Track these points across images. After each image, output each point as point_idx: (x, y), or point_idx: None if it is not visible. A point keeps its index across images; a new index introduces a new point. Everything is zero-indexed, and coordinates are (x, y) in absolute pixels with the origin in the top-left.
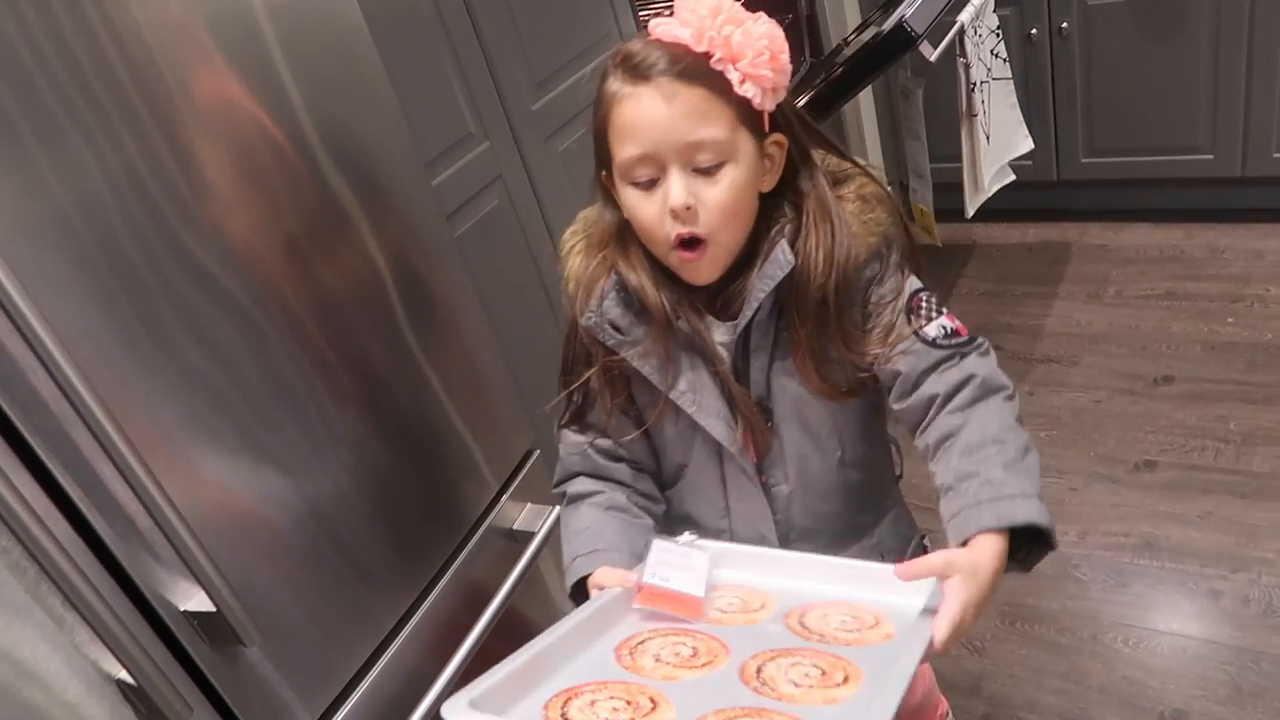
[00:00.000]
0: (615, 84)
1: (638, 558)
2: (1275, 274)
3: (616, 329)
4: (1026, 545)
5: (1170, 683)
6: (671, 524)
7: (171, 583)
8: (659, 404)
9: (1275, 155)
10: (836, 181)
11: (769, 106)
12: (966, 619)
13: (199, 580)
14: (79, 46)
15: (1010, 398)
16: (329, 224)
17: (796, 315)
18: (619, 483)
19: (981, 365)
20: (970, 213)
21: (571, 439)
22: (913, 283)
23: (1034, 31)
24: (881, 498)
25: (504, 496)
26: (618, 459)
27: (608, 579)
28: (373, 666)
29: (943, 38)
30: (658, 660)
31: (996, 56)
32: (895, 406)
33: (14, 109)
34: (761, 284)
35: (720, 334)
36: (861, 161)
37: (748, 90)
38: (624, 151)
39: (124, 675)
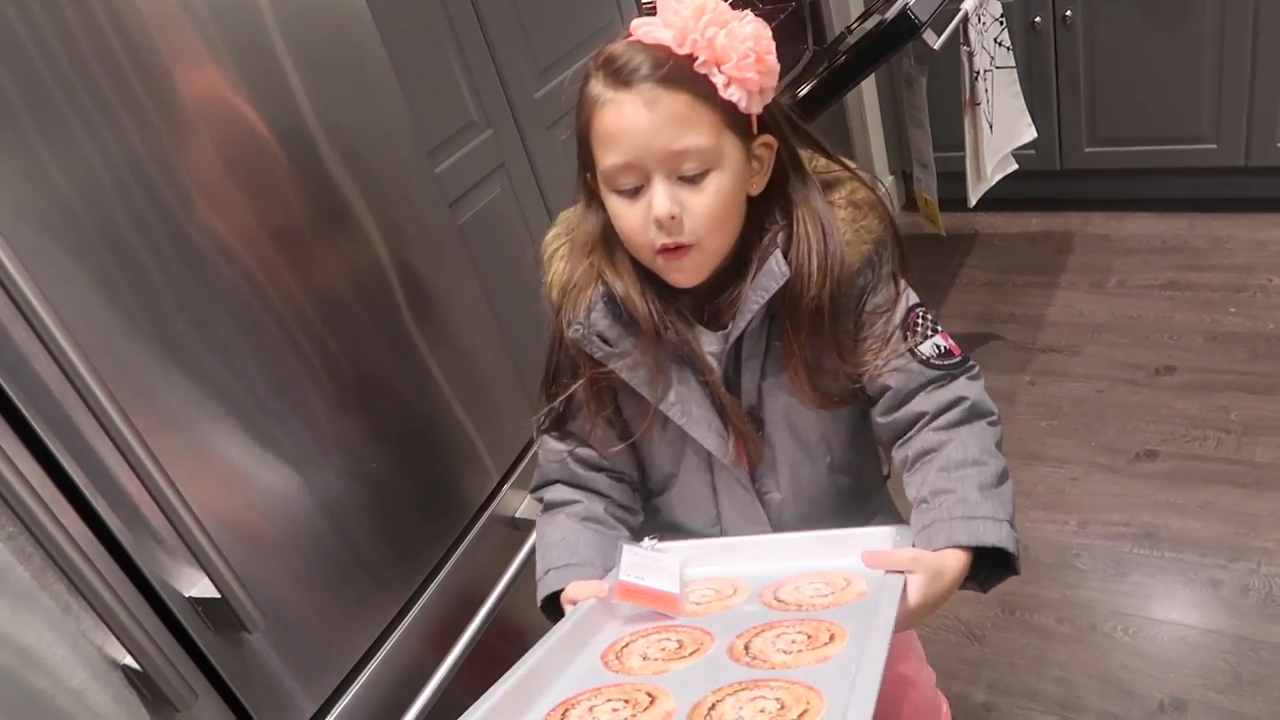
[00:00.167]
0: (597, 88)
1: (610, 572)
2: (1278, 264)
3: (605, 341)
4: (988, 569)
5: (1169, 671)
6: (660, 532)
7: (176, 569)
8: (647, 415)
9: (1279, 145)
10: (827, 186)
11: (756, 109)
12: (914, 617)
13: (203, 567)
14: (82, 36)
15: (995, 424)
16: (331, 212)
17: (790, 326)
18: (597, 493)
19: (971, 389)
20: (973, 202)
21: (551, 446)
22: (910, 296)
23: (1038, 19)
24: (869, 498)
25: (505, 485)
26: (598, 469)
27: (580, 592)
28: (375, 654)
29: (946, 26)
30: (645, 659)
31: (1000, 45)
32: (879, 419)
33: (17, 98)
34: (755, 295)
35: (710, 344)
36: (851, 164)
37: (733, 94)
38: (607, 159)
39: (129, 661)
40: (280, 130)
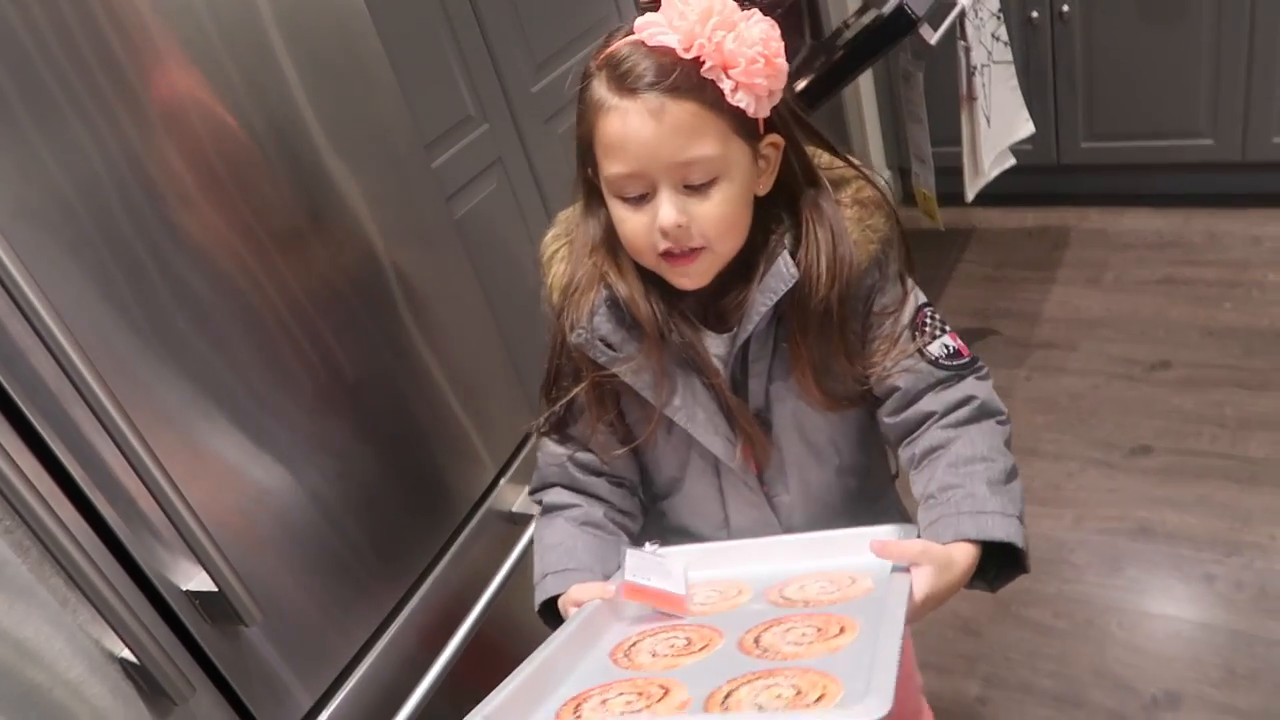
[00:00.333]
0: (600, 91)
1: (609, 577)
2: (1273, 260)
3: (608, 345)
4: (996, 567)
5: (1164, 666)
6: (666, 536)
7: (173, 563)
8: (651, 419)
9: (1275, 140)
10: (833, 184)
11: (764, 113)
12: (922, 610)
13: (200, 561)
14: (78, 31)
15: (1004, 422)
16: (328, 207)
17: (797, 328)
18: (597, 498)
19: (980, 388)
20: (970, 197)
21: (551, 449)
22: (917, 296)
23: (1035, 14)
24: (878, 499)
25: (502, 480)
26: (598, 473)
27: (584, 593)
28: (372, 648)
29: (943, 20)
30: (655, 655)
31: (997, 40)
32: (887, 420)
33: (13, 93)
34: (763, 297)
35: (716, 346)
36: (857, 162)
37: (741, 100)
38: (611, 168)
39: (127, 654)
40: (277, 125)
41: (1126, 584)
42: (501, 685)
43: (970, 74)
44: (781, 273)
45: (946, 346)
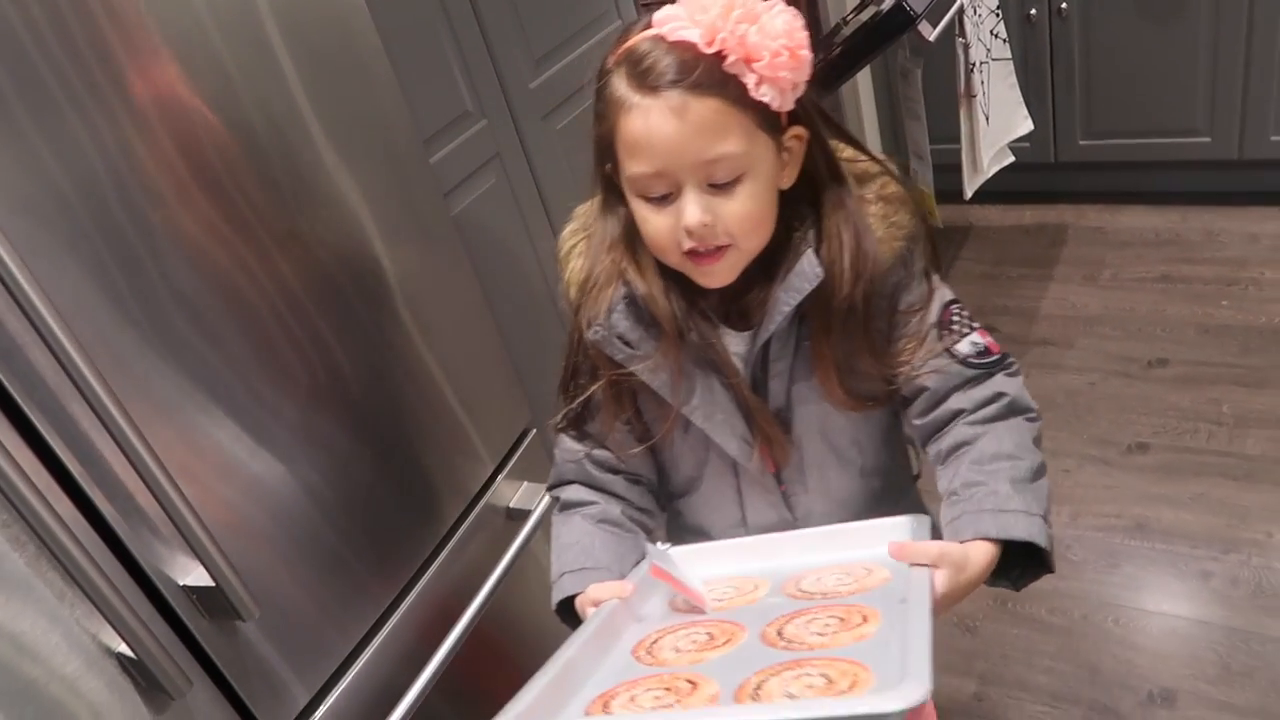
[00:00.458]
0: (620, 88)
1: (626, 576)
2: (1271, 257)
3: (625, 342)
4: (1021, 565)
5: (1160, 662)
6: (683, 535)
7: (170, 557)
8: (668, 418)
9: (1273, 138)
10: (857, 180)
11: (788, 107)
12: (938, 609)
13: (198, 555)
14: (75, 25)
15: (1034, 419)
16: (326, 202)
17: (820, 328)
18: (614, 495)
19: (1010, 384)
20: (969, 194)
21: (568, 445)
22: (943, 293)
23: (1033, 12)
24: (899, 498)
25: (500, 475)
26: (615, 471)
27: (603, 592)
28: (369, 643)
29: (942, 17)
30: (678, 651)
31: (996, 37)
32: (915, 421)
33: (10, 88)
34: (787, 296)
35: (736, 344)
36: (881, 156)
37: (765, 94)
38: (634, 167)
39: (124, 649)
40: (275, 120)
41: (1123, 581)
42: (526, 687)
43: (969, 71)
44: (806, 271)
45: (975, 344)
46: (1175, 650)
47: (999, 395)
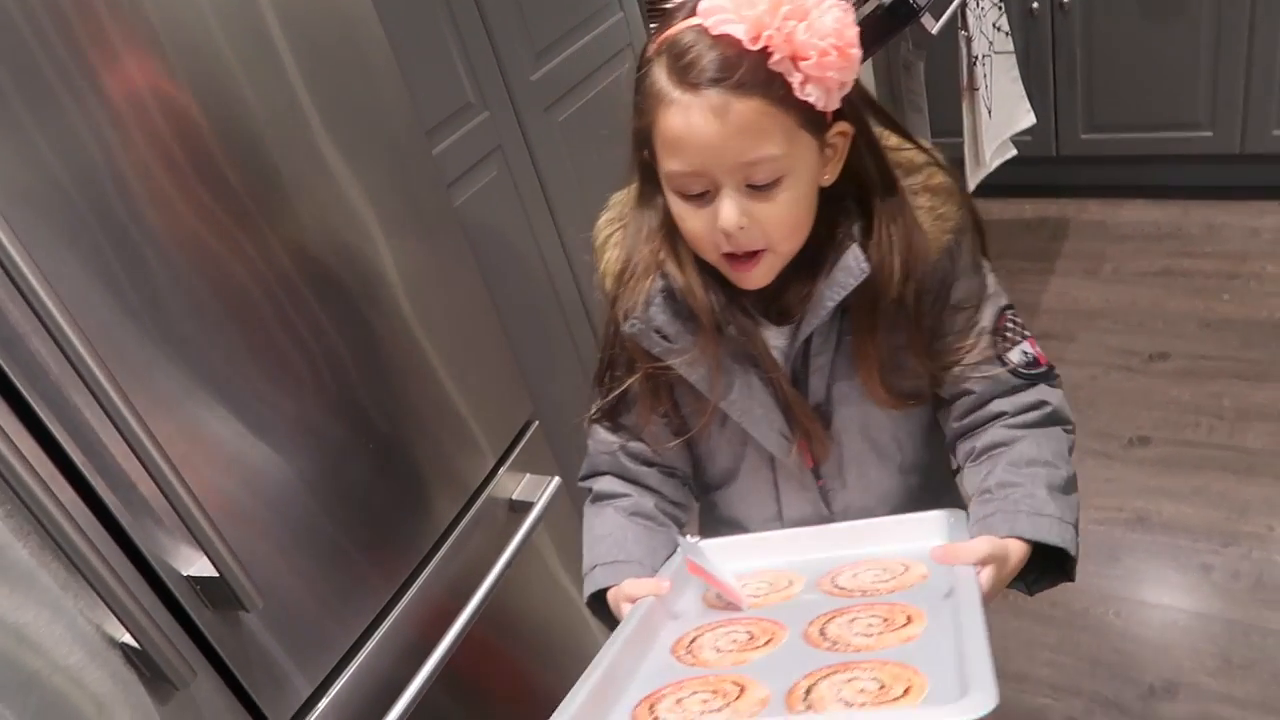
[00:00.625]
0: (661, 81)
1: (658, 570)
2: (1271, 251)
3: (663, 336)
4: (1037, 570)
5: (1161, 655)
6: (717, 527)
7: (174, 548)
8: (706, 412)
9: (1274, 132)
10: (903, 171)
11: (834, 106)
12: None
13: (201, 546)
14: (73, 14)
15: (1070, 432)
16: (327, 193)
17: (865, 324)
18: (647, 488)
19: (1053, 395)
20: (971, 187)
21: (603, 436)
22: (1000, 297)
23: (1035, 5)
24: (940, 496)
25: (502, 468)
26: (649, 463)
27: (639, 589)
28: (371, 635)
29: (944, 10)
30: (719, 651)
31: (999, 30)
32: (953, 423)
33: (8, 77)
34: (831, 292)
35: (776, 339)
36: (927, 145)
37: (810, 94)
38: (672, 164)
39: (128, 639)
40: (275, 110)
41: (1124, 574)
42: (573, 691)
43: (971, 64)
44: (851, 267)
45: (1026, 353)
46: (1176, 643)
47: (1042, 403)
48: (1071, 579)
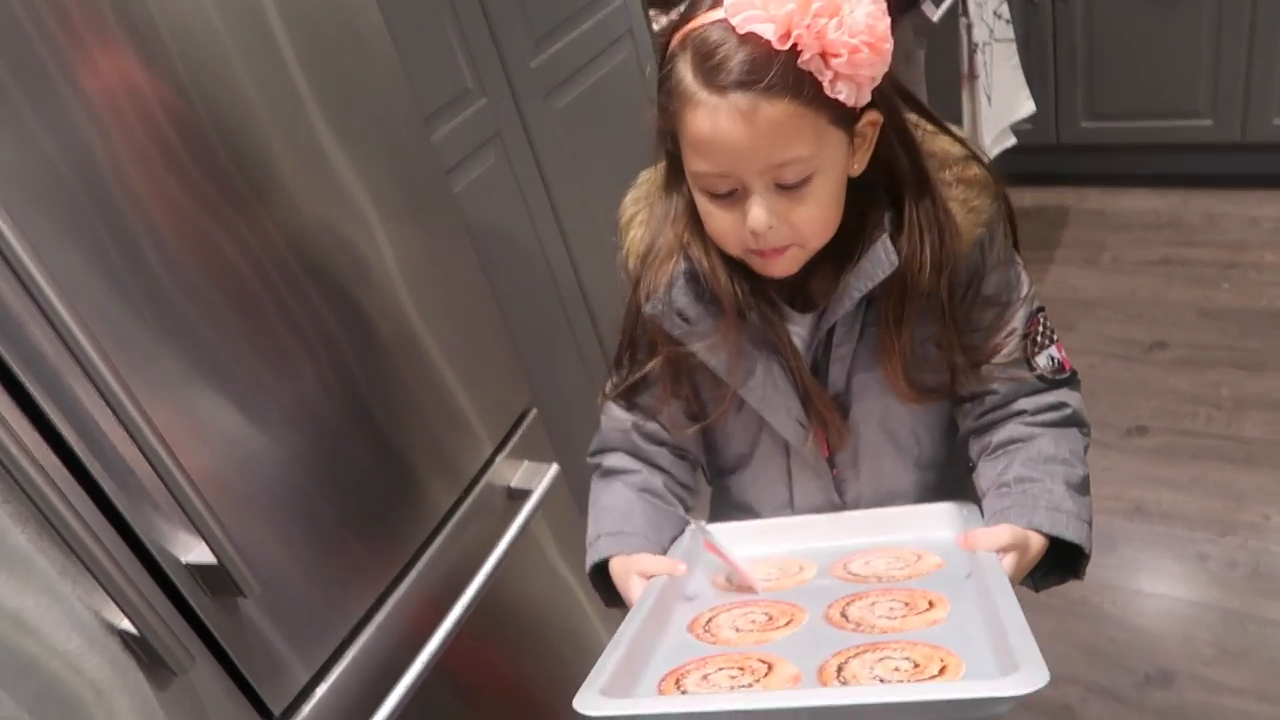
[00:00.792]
0: (686, 80)
1: (663, 547)
2: (1271, 241)
3: (684, 319)
4: (1045, 567)
5: (1157, 644)
6: (728, 511)
7: (172, 535)
8: (725, 398)
9: (1275, 121)
10: (937, 162)
11: (864, 101)
12: None
13: (200, 532)
14: (71, 2)
15: (1087, 435)
16: (325, 179)
17: (891, 316)
18: (658, 467)
19: (1073, 397)
20: None
21: (616, 414)
22: (1033, 300)
23: None
24: (953, 494)
25: (500, 455)
26: (661, 443)
27: (652, 565)
28: (369, 622)
29: None
30: (738, 630)
31: (999, 18)
32: (970, 421)
33: (5, 67)
34: (859, 283)
35: (799, 327)
36: (960, 134)
37: (840, 91)
38: (698, 165)
39: (126, 625)
40: (273, 96)
41: (1120, 563)
42: (600, 662)
43: (972, 51)
44: (880, 258)
45: (1052, 359)
46: (1172, 631)
47: (1062, 405)
48: (1080, 577)
